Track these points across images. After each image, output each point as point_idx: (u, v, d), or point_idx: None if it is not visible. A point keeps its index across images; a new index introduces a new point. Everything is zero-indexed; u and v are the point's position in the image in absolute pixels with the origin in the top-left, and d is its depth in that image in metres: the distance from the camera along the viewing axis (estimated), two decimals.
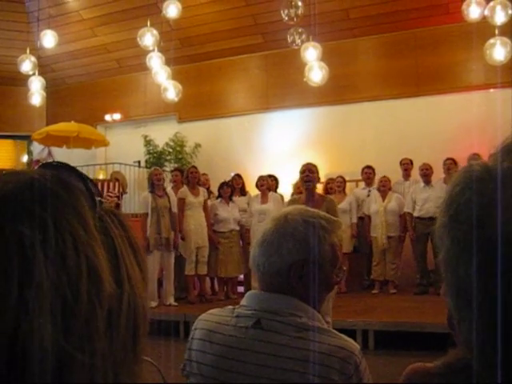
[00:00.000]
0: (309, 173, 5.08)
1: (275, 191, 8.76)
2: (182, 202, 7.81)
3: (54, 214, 0.46)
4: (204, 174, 8.85)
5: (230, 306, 1.47)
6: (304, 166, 5.23)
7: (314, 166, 5.13)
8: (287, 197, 8.46)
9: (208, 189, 8.77)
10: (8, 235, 0.44)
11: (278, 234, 1.41)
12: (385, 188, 8.31)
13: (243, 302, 1.45)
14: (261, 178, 8.42)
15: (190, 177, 8.08)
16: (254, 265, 1.44)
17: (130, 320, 0.50)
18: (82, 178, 0.53)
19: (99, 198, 0.53)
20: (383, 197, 8.30)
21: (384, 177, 8.40)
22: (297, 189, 8.31)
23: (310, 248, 1.44)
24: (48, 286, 0.43)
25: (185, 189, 7.99)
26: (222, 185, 8.28)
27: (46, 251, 0.44)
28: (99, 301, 0.46)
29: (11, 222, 0.45)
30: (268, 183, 8.37)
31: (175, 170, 8.77)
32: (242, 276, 8.39)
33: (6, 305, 0.42)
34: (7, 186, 0.48)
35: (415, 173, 8.51)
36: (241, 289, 8.47)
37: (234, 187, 8.54)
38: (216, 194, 8.51)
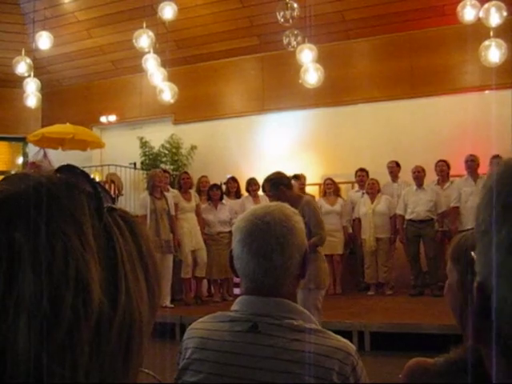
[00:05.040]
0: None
1: None
2: (175, 206, 7.83)
3: (48, 220, 0.45)
4: (204, 177, 8.83)
5: (220, 312, 1.46)
6: None
7: (266, 182, 4.83)
8: None
9: (208, 191, 8.76)
10: (0, 240, 0.43)
11: (271, 236, 1.38)
12: (373, 190, 8.36)
13: (234, 307, 1.44)
14: (250, 182, 8.46)
15: (181, 182, 8.12)
16: (241, 267, 1.42)
17: (123, 334, 0.48)
18: (92, 183, 0.52)
19: (110, 205, 0.52)
20: (372, 199, 8.36)
21: (372, 179, 8.47)
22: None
23: (303, 245, 1.44)
24: (29, 294, 0.42)
25: (177, 194, 8.01)
26: (212, 187, 8.31)
27: (33, 259, 0.43)
28: (85, 313, 0.44)
29: (5, 226, 0.44)
30: (258, 186, 8.42)
31: (163, 171, 8.69)
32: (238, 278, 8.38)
33: None
34: (10, 189, 0.47)
35: (404, 175, 8.56)
36: (237, 291, 8.46)
37: (228, 190, 8.58)
38: None
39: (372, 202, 8.33)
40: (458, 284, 1.27)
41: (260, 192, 8.51)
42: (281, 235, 1.38)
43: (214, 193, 8.22)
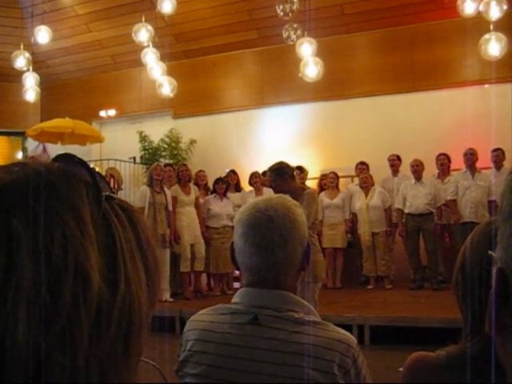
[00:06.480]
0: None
1: None
2: (173, 200, 7.82)
3: (47, 209, 0.45)
4: (201, 171, 8.84)
5: (221, 304, 1.46)
6: None
7: (270, 170, 4.88)
8: None
9: (205, 185, 8.77)
10: None
11: (274, 230, 1.38)
12: (366, 185, 8.37)
13: (235, 299, 1.43)
14: (253, 175, 8.45)
15: (180, 175, 8.12)
16: (243, 261, 1.42)
17: (123, 322, 0.48)
18: (91, 171, 0.52)
19: (108, 193, 0.52)
20: (366, 194, 8.36)
21: (364, 173, 8.46)
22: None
23: (304, 237, 1.44)
24: (28, 282, 0.42)
25: (176, 187, 8.00)
26: (217, 181, 8.31)
27: (31, 247, 0.43)
28: (84, 301, 0.44)
29: (4, 214, 0.44)
30: (261, 179, 8.40)
31: (167, 165, 8.71)
32: (238, 272, 8.37)
33: None
34: (8, 177, 0.47)
35: (404, 169, 8.54)
36: (237, 284, 8.46)
37: (229, 183, 8.56)
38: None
39: (366, 197, 8.34)
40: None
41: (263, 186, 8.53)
42: (284, 229, 1.38)
43: (219, 186, 8.22)
